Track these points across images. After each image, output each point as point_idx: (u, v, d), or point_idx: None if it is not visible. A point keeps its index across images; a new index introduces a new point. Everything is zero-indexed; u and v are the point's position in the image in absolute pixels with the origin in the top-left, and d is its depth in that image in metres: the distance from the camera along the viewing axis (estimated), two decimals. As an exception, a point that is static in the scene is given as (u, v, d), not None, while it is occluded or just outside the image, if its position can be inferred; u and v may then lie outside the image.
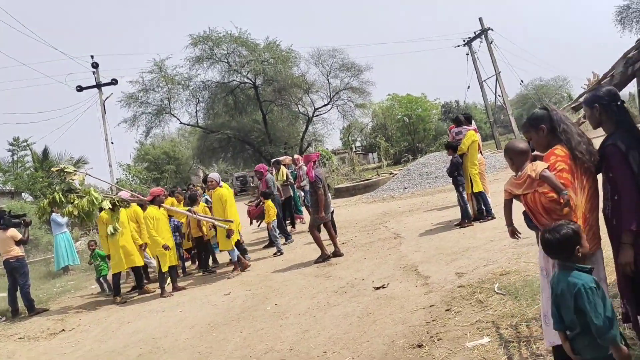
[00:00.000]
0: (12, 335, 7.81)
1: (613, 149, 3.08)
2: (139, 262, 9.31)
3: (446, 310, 5.16)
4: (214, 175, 10.09)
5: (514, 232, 3.56)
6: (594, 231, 3.16)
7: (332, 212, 11.63)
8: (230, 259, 9.64)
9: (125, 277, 10.65)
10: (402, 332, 4.85)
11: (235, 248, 9.42)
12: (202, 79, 39.09)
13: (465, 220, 9.49)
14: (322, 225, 9.30)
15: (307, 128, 42.18)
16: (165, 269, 8.83)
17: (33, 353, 6.79)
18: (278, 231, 11.17)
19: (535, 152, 3.47)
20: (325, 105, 41.20)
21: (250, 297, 7.60)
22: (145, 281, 9.85)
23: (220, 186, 9.76)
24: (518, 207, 3.40)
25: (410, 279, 6.73)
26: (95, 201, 8.98)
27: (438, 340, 4.48)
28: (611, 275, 3.87)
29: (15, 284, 9.16)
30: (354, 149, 52.27)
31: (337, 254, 9.15)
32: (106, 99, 22.67)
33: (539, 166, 3.15)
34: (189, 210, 9.62)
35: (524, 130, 3.46)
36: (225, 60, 37.82)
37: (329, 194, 9.61)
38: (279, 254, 10.59)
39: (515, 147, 3.38)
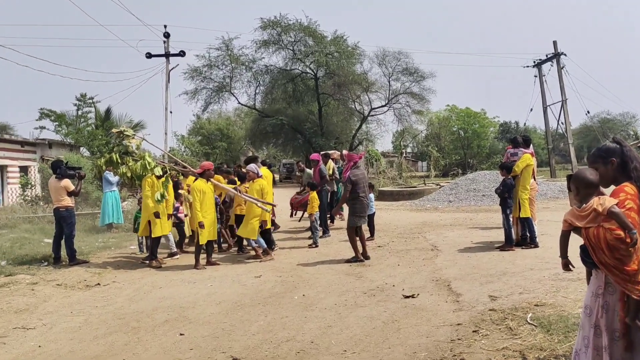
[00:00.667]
0: (51, 281, 8.15)
1: None
2: (165, 232, 9.61)
3: (474, 331, 5.07)
4: (251, 166, 10.09)
5: (567, 265, 3.41)
6: None
7: (373, 213, 11.65)
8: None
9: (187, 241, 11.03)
10: (425, 345, 4.80)
11: (259, 238, 9.52)
12: (266, 63, 39.59)
13: (508, 244, 9.28)
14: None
15: (360, 126, 42.08)
16: (202, 241, 9.01)
17: (67, 301, 7.07)
18: (319, 222, 11.24)
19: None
20: (382, 106, 40.98)
21: (280, 283, 7.67)
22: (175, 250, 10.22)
23: (260, 176, 9.84)
24: (575, 241, 3.28)
25: (442, 293, 6.65)
26: (147, 166, 9.25)
27: None
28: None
29: (62, 232, 9.56)
30: (404, 154, 51.84)
31: (364, 256, 9.15)
32: (172, 69, 23.19)
33: (608, 201, 3.01)
34: (235, 189, 9.73)
35: (591, 161, 3.29)
36: (291, 48, 38.13)
37: (367, 197, 9.49)
38: (314, 245, 10.67)
39: (585, 177, 3.21)
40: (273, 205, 9.75)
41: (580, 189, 3.20)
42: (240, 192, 9.58)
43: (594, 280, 3.23)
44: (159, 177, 9.40)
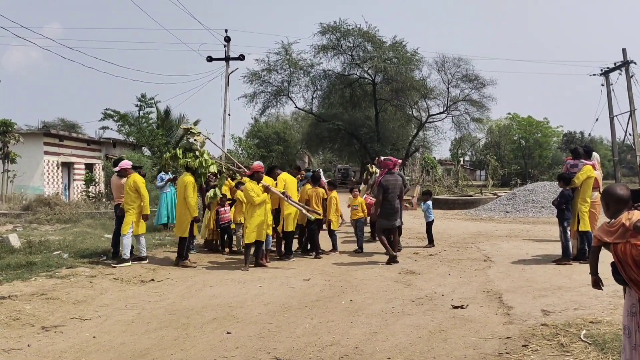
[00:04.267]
0: (109, 275, 8.49)
1: None
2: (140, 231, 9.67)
3: (523, 345, 4.92)
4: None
5: (597, 283, 3.32)
6: None
7: (432, 221, 11.56)
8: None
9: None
10: (471, 357, 4.69)
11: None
12: (324, 67, 39.81)
13: (565, 257, 8.96)
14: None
15: (417, 133, 41.68)
16: (248, 240, 9.10)
17: (122, 294, 7.33)
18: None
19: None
20: (440, 113, 40.44)
21: (328, 287, 7.69)
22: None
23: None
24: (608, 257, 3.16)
25: (492, 305, 6.48)
26: (204, 163, 9.50)
27: (507, 374, 4.29)
28: None
29: (120, 227, 9.93)
30: (461, 162, 50.90)
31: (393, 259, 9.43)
32: (232, 72, 23.71)
33: (635, 216, 2.90)
34: (283, 194, 9.67)
35: None
36: (349, 53, 38.22)
37: (395, 202, 9.58)
38: (359, 251, 10.86)
39: (614, 192, 3.15)
40: (316, 213, 9.87)
41: (611, 205, 3.11)
42: (288, 197, 9.59)
43: (628, 298, 3.10)
44: (215, 176, 9.63)
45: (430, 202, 12.15)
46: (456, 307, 6.38)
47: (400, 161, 11.64)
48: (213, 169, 9.65)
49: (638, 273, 2.84)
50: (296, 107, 42.61)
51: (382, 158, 11.31)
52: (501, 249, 10.93)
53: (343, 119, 40.62)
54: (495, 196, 23.32)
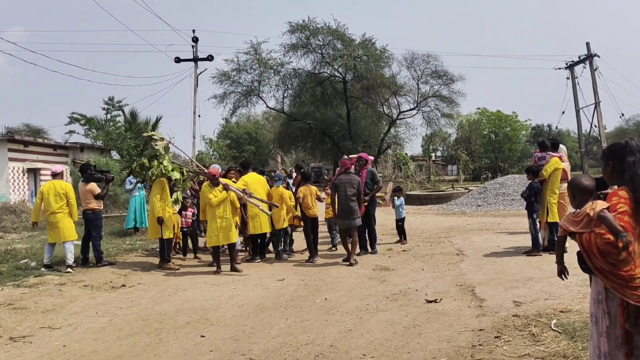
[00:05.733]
0: (78, 282, 8.31)
1: None
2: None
3: (496, 337, 4.97)
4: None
5: (562, 272, 3.38)
6: None
7: (403, 218, 11.59)
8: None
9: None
10: (445, 351, 4.73)
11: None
12: (294, 66, 39.73)
13: (535, 249, 9.11)
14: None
15: (389, 130, 41.94)
16: (209, 244, 9.12)
17: (93, 302, 7.19)
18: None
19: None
20: (411, 109, 40.76)
21: (303, 286, 7.67)
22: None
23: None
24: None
25: (465, 298, 6.55)
26: (163, 170, 9.37)
27: (481, 366, 4.33)
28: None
29: (90, 234, 9.76)
30: (432, 158, 51.42)
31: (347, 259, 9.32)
32: (200, 73, 23.57)
33: (599, 205, 2.95)
34: (243, 191, 9.35)
35: (600, 159, 3.28)
36: (319, 52, 38.23)
37: (354, 204, 9.41)
38: (333, 248, 10.97)
39: (579, 183, 3.21)
40: (276, 206, 9.77)
41: (576, 195, 3.17)
42: (248, 195, 9.34)
43: (594, 287, 3.17)
44: (173, 180, 9.55)
45: (402, 199, 12.22)
46: (430, 302, 6.42)
47: (372, 158, 11.62)
48: (174, 174, 9.50)
49: (603, 261, 2.88)
50: (267, 106, 42.49)
51: (348, 156, 11.33)
52: (473, 243, 11.06)
53: (315, 118, 40.61)
54: (467, 190, 23.61)
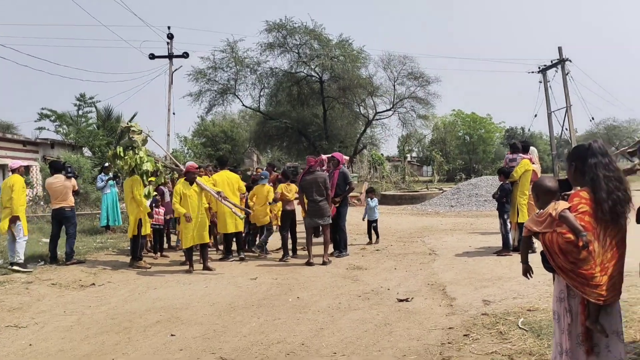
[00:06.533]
0: (46, 280, 8.15)
1: None
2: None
3: (464, 335, 5.04)
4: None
5: (527, 271, 3.46)
6: (613, 282, 3.00)
7: (376, 220, 11.59)
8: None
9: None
10: (415, 349, 4.77)
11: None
12: (271, 65, 39.51)
13: (505, 249, 9.25)
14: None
15: (365, 130, 42.04)
16: (185, 245, 8.98)
17: (61, 300, 7.07)
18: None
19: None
20: (387, 110, 40.87)
21: (276, 285, 7.66)
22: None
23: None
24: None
25: (436, 297, 6.62)
26: (139, 160, 9.25)
27: (449, 363, 4.39)
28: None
29: (59, 231, 9.59)
30: (407, 159, 51.77)
31: (308, 262, 9.19)
32: (175, 71, 23.34)
33: (561, 205, 3.04)
34: (217, 193, 9.25)
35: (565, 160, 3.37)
36: (296, 51, 38.10)
37: (322, 203, 9.36)
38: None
39: (543, 184, 3.30)
40: (247, 211, 9.72)
41: (540, 196, 3.26)
42: (222, 197, 9.25)
43: (556, 285, 3.25)
44: (148, 174, 9.43)
45: (376, 200, 12.27)
46: (401, 300, 6.48)
47: (347, 158, 11.66)
48: (147, 166, 9.37)
49: (564, 260, 2.95)
50: (243, 105, 42.12)
51: (322, 156, 11.33)
52: (446, 242, 11.18)
53: (291, 117, 40.46)
54: (441, 191, 23.85)
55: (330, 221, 9.57)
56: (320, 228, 9.82)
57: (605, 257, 2.97)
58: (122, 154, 9.42)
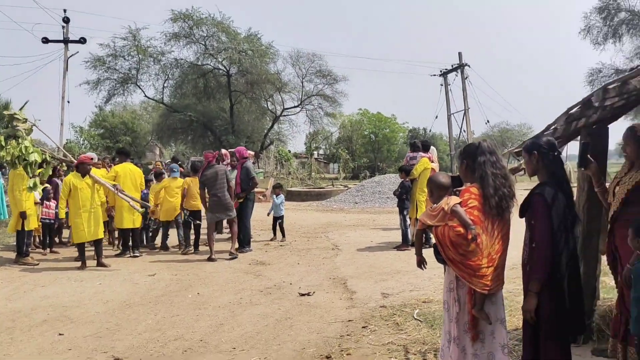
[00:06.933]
0: None
1: (539, 199, 3.12)
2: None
3: (363, 327, 5.16)
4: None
5: (421, 262, 3.59)
6: (498, 272, 3.19)
7: (282, 217, 11.47)
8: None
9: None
10: (314, 342, 4.81)
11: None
12: (176, 56, 38.32)
13: (404, 243, 9.58)
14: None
15: (272, 126, 41.95)
16: (76, 241, 8.52)
17: None
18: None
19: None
20: (294, 107, 41.03)
21: (175, 282, 7.44)
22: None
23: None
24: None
25: (337, 291, 6.73)
26: (25, 150, 8.61)
27: (347, 355, 4.46)
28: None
29: None
30: (315, 156, 52.35)
31: (209, 257, 9.04)
32: (71, 56, 22.04)
33: (452, 200, 3.20)
34: (114, 186, 8.79)
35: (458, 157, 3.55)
36: (203, 43, 37.24)
37: (224, 197, 9.23)
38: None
39: (436, 180, 3.45)
40: (146, 205, 9.38)
41: (434, 191, 3.40)
42: (119, 190, 8.78)
43: (447, 276, 3.41)
44: (34, 165, 8.81)
45: (283, 197, 12.15)
46: (303, 295, 6.52)
47: (252, 153, 11.52)
48: (34, 157, 8.75)
49: (454, 252, 3.10)
50: (146, 96, 40.45)
51: (223, 151, 11.15)
52: (349, 238, 11.40)
53: (197, 110, 39.45)
54: (346, 188, 24.30)
55: (235, 214, 9.43)
56: (224, 222, 9.65)
57: (492, 249, 3.15)
58: (3, 144, 8.70)
